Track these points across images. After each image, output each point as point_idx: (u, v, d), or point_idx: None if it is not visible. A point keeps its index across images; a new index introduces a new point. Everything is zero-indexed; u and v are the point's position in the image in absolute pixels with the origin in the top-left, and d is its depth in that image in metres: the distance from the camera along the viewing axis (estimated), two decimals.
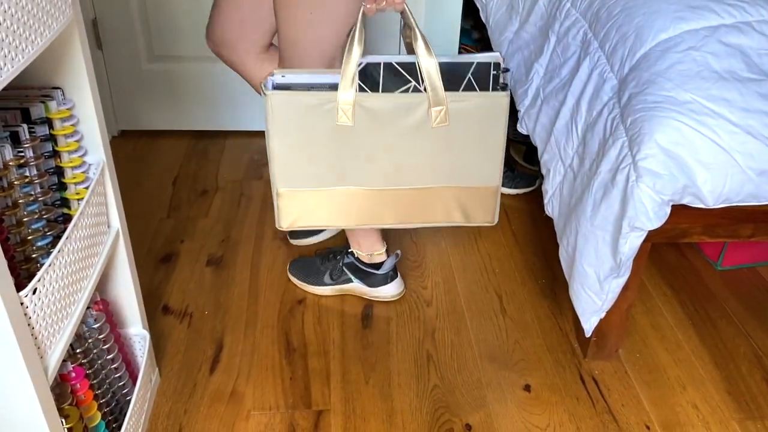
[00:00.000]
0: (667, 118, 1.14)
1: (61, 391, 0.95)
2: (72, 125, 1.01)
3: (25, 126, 0.93)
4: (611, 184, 1.19)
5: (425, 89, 1.16)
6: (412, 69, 1.17)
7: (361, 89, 1.16)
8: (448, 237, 1.85)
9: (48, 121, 0.97)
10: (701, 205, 1.19)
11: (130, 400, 1.15)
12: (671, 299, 1.65)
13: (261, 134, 2.32)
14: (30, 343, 0.81)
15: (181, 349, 1.46)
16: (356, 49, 1.13)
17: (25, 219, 0.92)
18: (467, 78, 1.18)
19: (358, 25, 1.13)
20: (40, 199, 0.95)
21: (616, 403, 1.37)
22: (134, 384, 1.19)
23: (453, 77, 1.18)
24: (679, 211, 1.21)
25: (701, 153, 1.13)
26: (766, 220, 1.28)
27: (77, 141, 1.03)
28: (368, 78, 1.16)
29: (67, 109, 1.00)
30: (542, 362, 1.46)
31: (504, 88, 1.20)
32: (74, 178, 1.02)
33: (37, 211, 0.94)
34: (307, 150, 1.19)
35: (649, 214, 1.14)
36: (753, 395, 1.40)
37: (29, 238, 0.92)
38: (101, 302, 1.12)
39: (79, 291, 0.97)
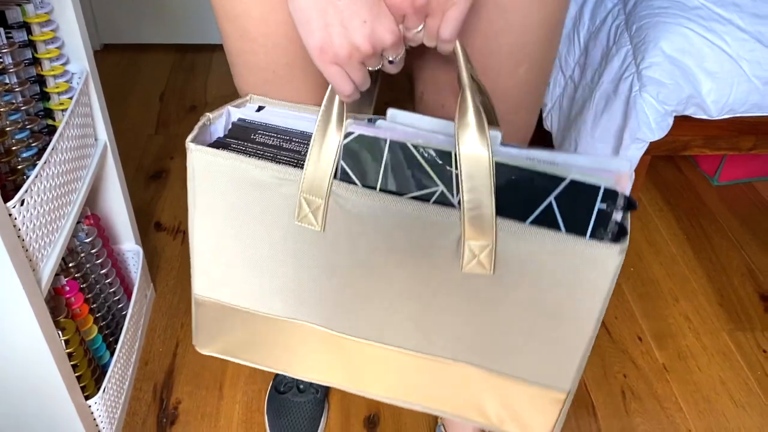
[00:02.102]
0: (673, 24, 1.10)
1: (56, 304, 0.94)
2: (51, 30, 0.95)
3: (1, 30, 0.88)
4: (613, 95, 1.16)
5: (460, 204, 0.58)
6: (443, 162, 0.58)
7: (345, 175, 0.60)
8: None
9: (26, 26, 0.92)
10: (704, 116, 1.17)
11: (125, 314, 1.15)
12: (667, 214, 1.65)
13: None
14: (21, 255, 0.79)
15: (175, 266, 1.45)
16: (339, 101, 0.58)
17: (8, 129, 0.88)
18: (548, 202, 0.57)
19: None
20: (23, 108, 0.91)
21: (609, 316, 1.39)
22: (129, 299, 1.18)
23: (520, 194, 0.58)
24: (680, 122, 1.19)
25: (708, 61, 1.10)
26: None
27: (58, 48, 0.98)
28: (361, 157, 0.59)
29: (45, 13, 0.94)
30: None
31: (618, 236, 0.57)
32: (57, 87, 0.98)
33: (20, 120, 0.90)
34: (245, 249, 0.66)
35: (652, 125, 1.12)
36: (744, 307, 1.41)
37: (14, 148, 0.88)
38: (92, 217, 1.09)
39: (68, 204, 0.95)
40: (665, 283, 1.46)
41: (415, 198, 0.59)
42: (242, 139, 0.65)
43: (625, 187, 0.56)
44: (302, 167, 0.60)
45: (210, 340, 0.74)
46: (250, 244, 0.65)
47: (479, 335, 0.64)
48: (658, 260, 1.52)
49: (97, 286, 1.08)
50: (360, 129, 0.59)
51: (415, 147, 0.59)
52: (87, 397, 0.98)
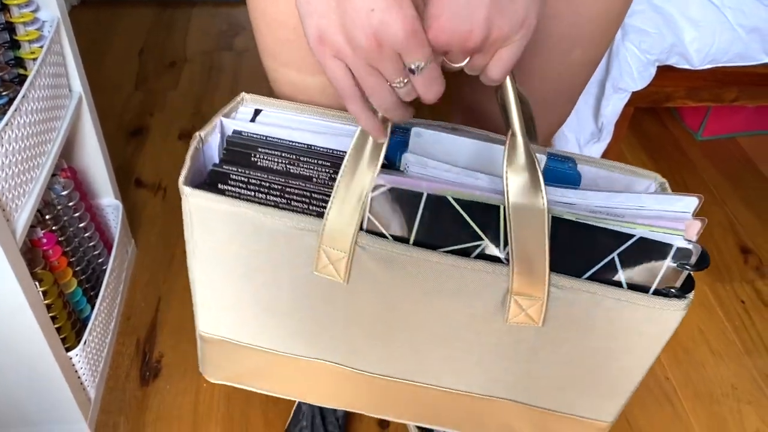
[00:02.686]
0: None
1: (33, 256, 0.93)
2: None
3: None
4: None
5: (508, 258, 0.52)
6: (488, 215, 0.51)
7: (370, 223, 0.53)
8: None
9: None
10: (687, 66, 1.16)
11: (106, 269, 1.14)
12: (650, 169, 1.65)
13: (230, 3, 2.20)
14: None
15: (157, 222, 1.44)
16: (375, 145, 0.50)
17: None
18: (610, 258, 0.51)
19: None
20: None
21: None
22: (109, 254, 1.17)
23: (578, 249, 0.52)
24: (663, 73, 1.18)
25: (691, 9, 1.08)
26: (751, 83, 1.26)
27: None
28: (390, 208, 0.52)
29: None
30: None
31: (683, 292, 0.52)
32: (27, 35, 0.95)
33: None
34: (255, 293, 0.59)
35: (634, 74, 1.11)
36: (724, 260, 1.43)
37: None
38: (69, 170, 1.08)
39: (42, 155, 0.93)
40: None
41: (454, 253, 0.52)
42: (242, 165, 0.55)
43: (694, 234, 0.51)
44: (316, 205, 0.52)
45: (218, 369, 0.68)
46: (261, 288, 0.58)
47: (521, 378, 0.60)
48: None
49: (76, 240, 1.07)
50: (391, 180, 0.50)
51: (460, 201, 0.50)
52: (68, 350, 0.98)
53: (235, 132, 0.59)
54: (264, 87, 0.69)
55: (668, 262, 0.51)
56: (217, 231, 0.54)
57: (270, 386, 0.69)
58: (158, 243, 1.39)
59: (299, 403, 1.06)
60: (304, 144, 0.58)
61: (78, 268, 1.06)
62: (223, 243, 0.55)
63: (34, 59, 0.95)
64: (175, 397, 1.13)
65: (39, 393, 0.99)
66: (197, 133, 0.56)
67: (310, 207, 0.53)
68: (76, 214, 1.07)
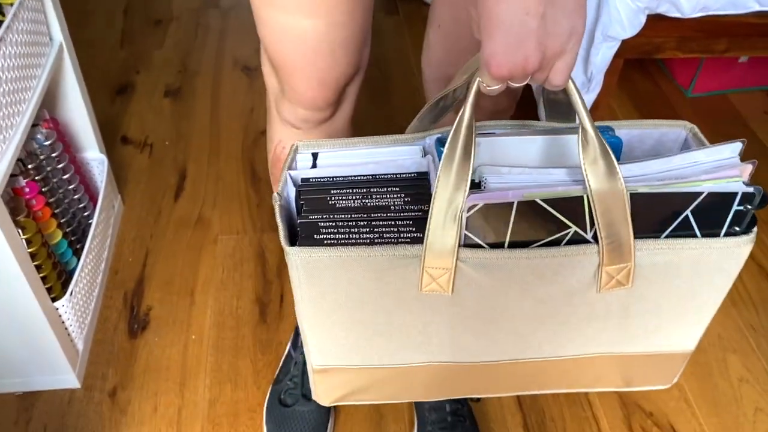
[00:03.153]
0: None
1: (16, 204, 0.92)
2: None
3: None
4: None
5: (596, 238, 0.57)
6: (574, 206, 0.56)
7: (467, 237, 0.56)
8: None
9: None
10: (677, 14, 1.15)
11: (92, 223, 1.14)
12: None
13: None
14: None
15: (143, 179, 1.43)
16: (460, 168, 0.53)
17: None
18: (684, 215, 0.57)
19: (466, 116, 0.51)
20: None
21: None
22: (95, 207, 1.17)
23: (655, 214, 0.57)
24: (653, 23, 1.17)
25: None
26: (741, 33, 1.25)
27: None
28: (484, 221, 0.56)
29: None
30: None
31: (749, 227, 0.59)
32: None
33: None
34: (365, 323, 0.63)
35: (624, 22, 1.09)
36: None
37: None
38: (51, 120, 1.06)
39: (22, 102, 0.92)
40: None
41: (547, 244, 0.58)
42: (323, 210, 0.60)
43: (747, 176, 0.57)
44: (405, 231, 0.58)
45: (331, 393, 0.72)
46: (369, 316, 0.62)
47: (614, 333, 0.65)
48: None
49: (60, 191, 1.06)
50: (482, 198, 0.54)
51: (546, 201, 0.55)
52: (54, 300, 0.97)
53: (303, 180, 0.62)
54: (250, 44, 0.68)
55: (735, 207, 0.57)
56: (324, 277, 0.58)
57: (380, 396, 0.72)
58: (144, 199, 1.38)
59: (289, 351, 1.07)
60: (369, 175, 0.62)
61: (63, 220, 1.05)
62: (331, 285, 0.59)
63: (11, 4, 0.93)
64: (163, 349, 1.13)
65: (27, 344, 0.99)
66: (275, 194, 0.59)
67: (401, 234, 0.57)
68: (60, 166, 1.06)
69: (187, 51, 1.80)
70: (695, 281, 0.61)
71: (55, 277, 0.98)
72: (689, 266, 0.60)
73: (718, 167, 0.57)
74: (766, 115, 1.68)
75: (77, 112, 1.17)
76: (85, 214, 1.15)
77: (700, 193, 0.56)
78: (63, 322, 1.01)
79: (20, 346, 0.99)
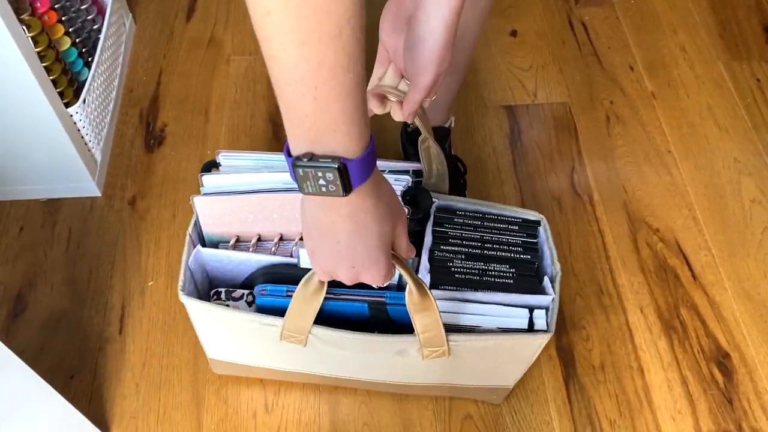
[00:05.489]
0: None
1: (19, 5, 0.91)
2: None
3: None
4: None
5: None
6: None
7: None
8: None
9: None
10: None
11: (101, 37, 1.13)
12: None
13: None
14: None
15: None
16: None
17: None
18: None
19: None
20: None
21: (603, 46, 1.34)
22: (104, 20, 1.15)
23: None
24: None
25: None
26: None
27: None
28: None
29: None
30: (531, 8, 1.40)
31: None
32: None
33: None
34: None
35: None
36: (744, 38, 1.36)
37: None
38: None
39: None
40: (665, 16, 1.40)
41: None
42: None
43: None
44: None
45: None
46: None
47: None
48: None
49: (66, 1, 1.04)
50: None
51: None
52: (67, 105, 0.99)
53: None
54: None
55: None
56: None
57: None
58: (156, 19, 1.36)
59: None
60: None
61: (71, 29, 1.05)
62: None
63: None
64: (179, 162, 1.16)
65: (46, 150, 1.02)
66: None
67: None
68: None
69: None
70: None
71: (66, 83, 0.99)
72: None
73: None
74: None
75: None
76: (95, 27, 1.14)
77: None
78: (79, 130, 1.03)
79: (40, 153, 1.02)
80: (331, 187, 0.45)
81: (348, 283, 0.56)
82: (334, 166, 0.44)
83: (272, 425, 0.90)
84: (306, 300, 0.68)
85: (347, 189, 0.45)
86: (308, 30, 0.39)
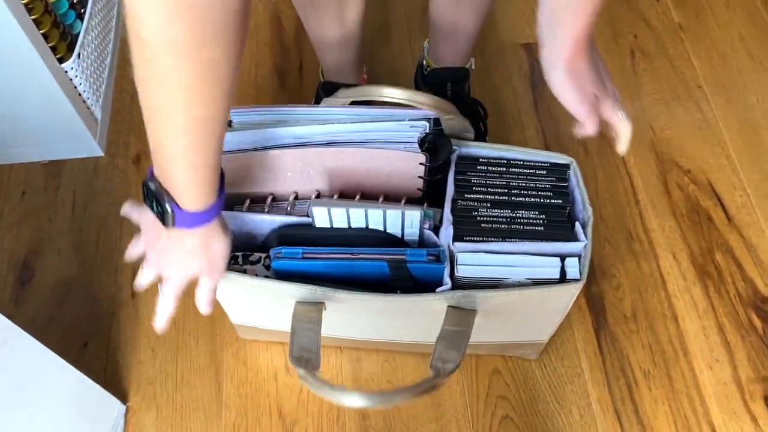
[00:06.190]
0: None
1: None
2: None
3: None
4: None
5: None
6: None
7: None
8: None
9: None
10: None
11: None
12: None
13: None
14: None
15: None
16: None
17: None
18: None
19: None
20: None
21: None
22: None
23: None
24: None
25: None
26: None
27: None
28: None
29: None
30: None
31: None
32: None
33: None
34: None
35: None
36: None
37: None
38: None
39: None
40: None
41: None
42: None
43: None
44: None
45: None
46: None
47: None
48: None
49: None
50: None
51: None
52: (60, 61, 0.93)
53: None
54: None
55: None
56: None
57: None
58: None
59: None
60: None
61: None
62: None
63: None
64: None
65: (43, 110, 0.97)
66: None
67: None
68: None
69: None
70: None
71: (58, 37, 0.93)
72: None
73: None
74: None
75: None
76: None
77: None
78: (75, 87, 0.98)
79: (37, 112, 0.97)
80: (159, 214, 0.56)
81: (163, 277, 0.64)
82: (165, 204, 0.54)
83: (294, 386, 0.88)
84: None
85: (168, 225, 0.55)
86: (149, 109, 0.50)
